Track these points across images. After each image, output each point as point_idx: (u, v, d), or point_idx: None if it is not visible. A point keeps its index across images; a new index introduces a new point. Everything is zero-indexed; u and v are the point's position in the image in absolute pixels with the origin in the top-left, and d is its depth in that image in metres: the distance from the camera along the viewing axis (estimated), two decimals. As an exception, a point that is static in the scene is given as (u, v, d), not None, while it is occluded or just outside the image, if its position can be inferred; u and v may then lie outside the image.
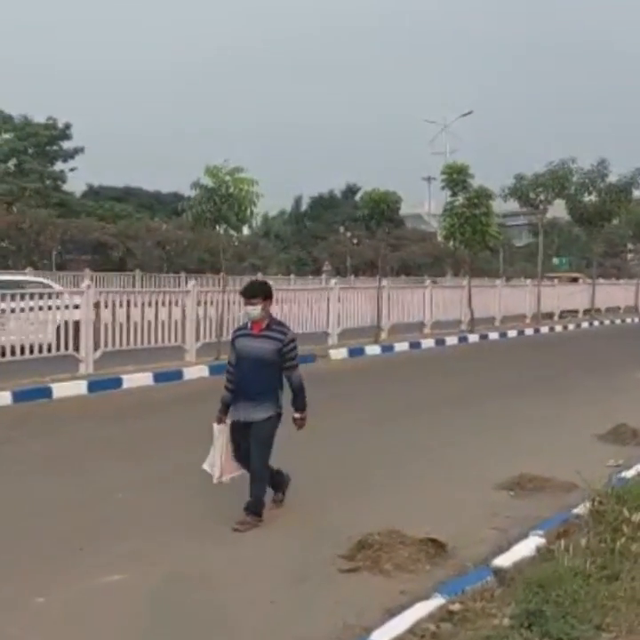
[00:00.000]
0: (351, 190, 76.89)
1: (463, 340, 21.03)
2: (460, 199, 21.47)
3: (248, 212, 14.00)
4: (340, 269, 47.64)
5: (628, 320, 30.38)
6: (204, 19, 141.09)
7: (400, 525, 5.56)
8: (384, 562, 5.05)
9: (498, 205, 32.92)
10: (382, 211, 18.20)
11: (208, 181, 13.96)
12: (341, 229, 57.86)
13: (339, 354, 16.69)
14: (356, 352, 17.16)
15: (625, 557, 4.45)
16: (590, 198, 28.05)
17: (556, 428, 9.61)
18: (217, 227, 14.25)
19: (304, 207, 69.00)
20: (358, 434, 9.15)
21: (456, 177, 21.37)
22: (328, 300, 17.65)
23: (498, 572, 4.54)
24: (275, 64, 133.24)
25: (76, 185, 49.63)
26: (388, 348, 18.16)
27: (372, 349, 17.75)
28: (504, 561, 4.68)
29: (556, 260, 51.37)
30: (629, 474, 6.75)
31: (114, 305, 12.94)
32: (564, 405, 11.34)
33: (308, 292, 17.54)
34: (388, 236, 27.87)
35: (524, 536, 5.36)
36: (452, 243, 22.15)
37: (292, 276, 37.24)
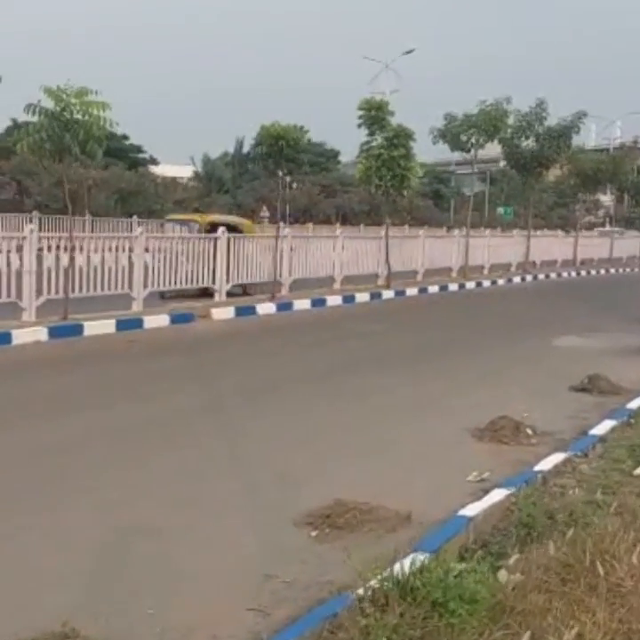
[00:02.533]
0: (298, 133, 74.05)
1: (376, 296, 19.06)
2: (379, 139, 19.28)
3: (99, 140, 11.66)
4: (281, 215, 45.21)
5: (565, 274, 28.77)
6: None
7: (106, 610, 3.61)
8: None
9: (447, 153, 30.41)
10: (281, 148, 15.91)
11: (49, 104, 11.55)
12: (280, 173, 55.42)
13: (223, 313, 14.57)
14: (245, 311, 15.05)
15: None
16: (528, 143, 26.05)
17: (424, 419, 7.70)
18: (59, 159, 11.87)
19: (247, 149, 65.79)
20: (155, 433, 7.10)
21: (374, 114, 19.14)
22: (213, 251, 15.39)
23: None
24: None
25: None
26: (285, 306, 16.11)
27: (266, 308, 15.67)
28: None
29: (500, 210, 49.65)
30: (480, 507, 4.84)
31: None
32: (450, 383, 9.47)
33: (189, 241, 15.20)
34: (288, 177, 25.60)
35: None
36: (370, 188, 19.99)
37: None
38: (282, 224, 18.92)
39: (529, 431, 7.09)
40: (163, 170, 69.56)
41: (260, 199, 39.17)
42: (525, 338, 13.51)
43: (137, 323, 12.74)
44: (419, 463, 6.24)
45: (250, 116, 40.66)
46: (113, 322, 12.35)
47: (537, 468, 5.63)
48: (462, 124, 23.14)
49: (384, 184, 19.22)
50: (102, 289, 13.11)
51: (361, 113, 19.21)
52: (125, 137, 61.03)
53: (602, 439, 6.44)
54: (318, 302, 17.06)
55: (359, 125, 19.35)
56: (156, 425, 7.18)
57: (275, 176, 18.76)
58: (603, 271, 31.18)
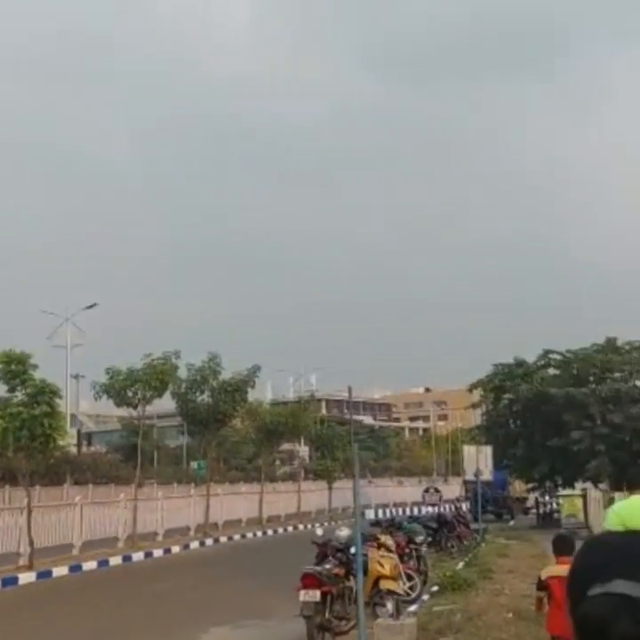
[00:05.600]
0: None
1: (11, 582, 15.62)
2: (19, 396, 16.99)
3: None
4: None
5: (250, 535, 27.07)
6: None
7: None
8: None
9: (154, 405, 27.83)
10: None
11: None
12: None
13: None
14: None
15: None
16: (203, 397, 25.28)
17: None
18: None
19: None
20: None
21: (14, 368, 16.97)
22: None
23: None
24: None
25: None
26: None
27: None
28: None
29: (194, 464, 47.97)
30: None
31: None
32: None
33: None
34: None
35: None
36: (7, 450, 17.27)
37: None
38: None
39: None
40: None
41: None
42: (167, 635, 11.03)
43: None
44: None
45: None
46: None
47: None
48: (127, 378, 21.73)
49: (24, 445, 16.63)
50: None
51: (-1, 367, 16.94)
52: None
53: None
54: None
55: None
56: None
57: None
58: (290, 528, 30.07)
